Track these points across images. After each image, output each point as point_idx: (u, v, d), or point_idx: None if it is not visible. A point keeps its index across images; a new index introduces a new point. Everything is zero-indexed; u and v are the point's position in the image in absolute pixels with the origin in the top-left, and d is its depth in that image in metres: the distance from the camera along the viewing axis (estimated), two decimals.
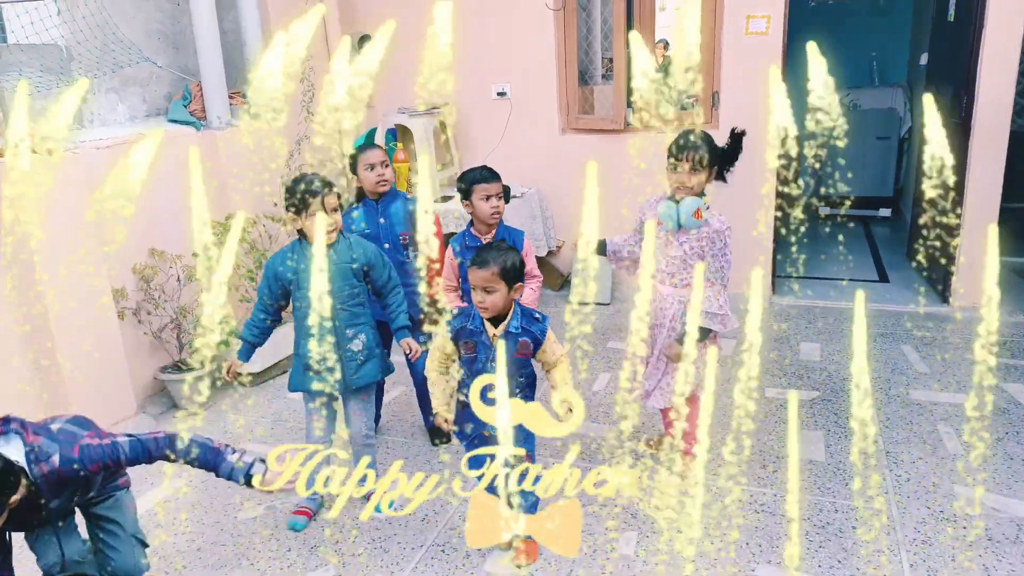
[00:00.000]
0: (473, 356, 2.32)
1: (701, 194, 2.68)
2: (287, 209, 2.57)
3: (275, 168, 4.33)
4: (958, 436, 3.12)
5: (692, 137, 2.63)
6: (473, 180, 2.86)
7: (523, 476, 2.31)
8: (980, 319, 4.54)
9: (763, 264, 4.78)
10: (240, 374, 2.73)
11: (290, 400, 3.79)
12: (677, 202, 2.66)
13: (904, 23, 6.84)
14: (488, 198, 2.85)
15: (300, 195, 2.53)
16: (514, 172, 4.89)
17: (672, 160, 2.65)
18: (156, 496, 2.99)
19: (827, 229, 6.74)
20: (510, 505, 2.38)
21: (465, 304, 2.94)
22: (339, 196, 2.60)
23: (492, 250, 2.26)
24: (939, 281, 4.72)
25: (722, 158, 2.70)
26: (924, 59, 5.66)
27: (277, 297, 2.66)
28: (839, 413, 3.37)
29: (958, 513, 2.61)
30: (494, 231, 2.91)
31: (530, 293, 2.95)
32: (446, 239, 3.34)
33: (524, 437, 2.32)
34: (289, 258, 2.62)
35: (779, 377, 3.78)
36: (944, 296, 4.62)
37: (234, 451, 2.05)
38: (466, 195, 2.89)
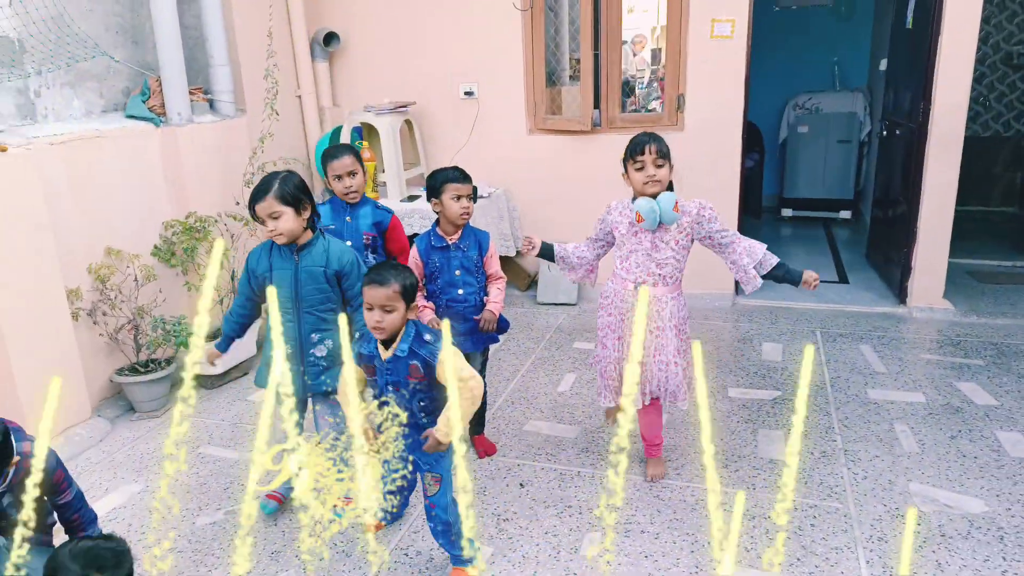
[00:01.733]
0: (374, 380, 2.23)
1: (670, 188, 2.71)
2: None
3: (238, 165, 4.27)
4: (914, 434, 3.19)
5: (646, 134, 2.66)
6: (445, 179, 2.84)
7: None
8: (935, 320, 4.70)
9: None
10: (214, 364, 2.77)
11: (250, 403, 3.73)
12: (654, 198, 2.66)
13: (865, 29, 6.98)
14: (459, 198, 2.83)
15: (249, 202, 2.50)
16: (481, 172, 4.88)
17: (636, 159, 2.65)
18: (111, 501, 2.92)
19: (789, 231, 6.85)
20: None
21: (431, 306, 2.93)
22: (292, 198, 2.45)
23: (390, 268, 2.15)
24: (896, 282, 4.82)
25: None
26: (883, 65, 5.78)
27: (254, 290, 2.63)
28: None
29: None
30: (460, 232, 2.90)
31: (497, 292, 2.96)
32: (410, 240, 3.31)
33: (435, 460, 2.27)
34: (266, 255, 2.59)
35: (741, 377, 3.83)
36: (901, 297, 4.72)
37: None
38: (436, 194, 2.85)
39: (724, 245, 2.74)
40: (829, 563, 2.41)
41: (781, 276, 2.73)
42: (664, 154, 2.62)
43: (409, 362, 2.14)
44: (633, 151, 2.66)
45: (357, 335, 2.31)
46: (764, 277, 2.75)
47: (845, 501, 2.74)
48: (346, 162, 3.03)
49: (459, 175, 2.85)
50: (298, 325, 2.56)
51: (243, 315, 2.69)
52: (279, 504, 2.77)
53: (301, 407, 2.69)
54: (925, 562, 2.40)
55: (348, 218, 3.10)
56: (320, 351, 2.58)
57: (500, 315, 2.99)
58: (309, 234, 2.56)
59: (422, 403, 2.20)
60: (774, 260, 2.72)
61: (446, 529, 2.33)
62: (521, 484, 2.93)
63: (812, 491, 2.81)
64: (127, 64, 4.05)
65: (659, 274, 2.72)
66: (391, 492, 2.40)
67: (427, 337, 2.16)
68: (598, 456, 3.11)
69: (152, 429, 3.51)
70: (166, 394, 3.68)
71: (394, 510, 2.62)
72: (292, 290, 2.52)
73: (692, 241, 2.73)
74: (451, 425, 2.04)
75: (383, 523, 2.66)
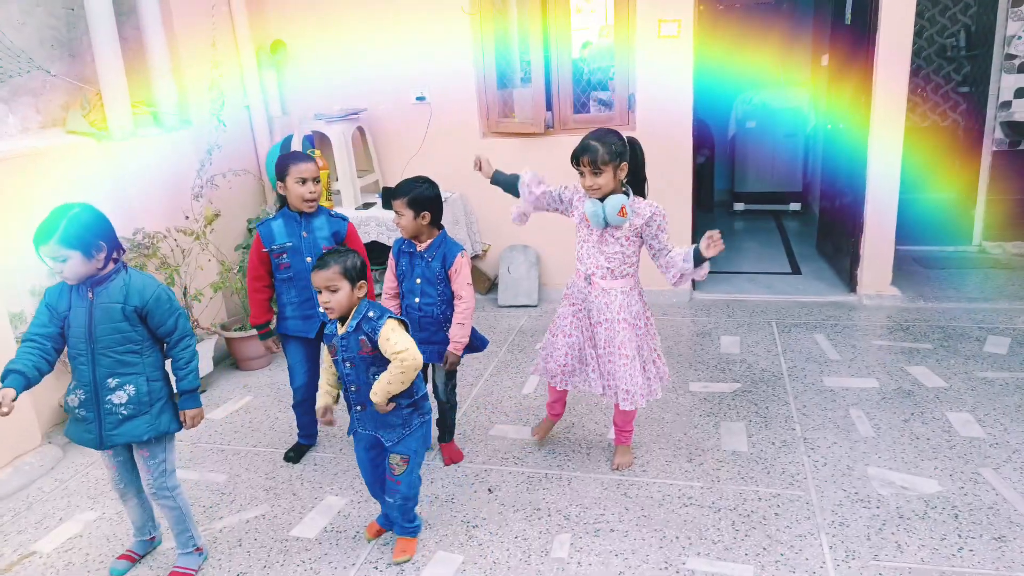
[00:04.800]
0: (336, 358, 2.41)
1: (627, 192, 2.72)
2: None
3: (185, 179, 4.16)
4: (869, 419, 3.28)
5: (587, 140, 2.67)
6: (390, 196, 2.87)
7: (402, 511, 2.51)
8: (884, 306, 4.85)
9: None
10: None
11: (209, 421, 3.65)
12: (601, 201, 2.68)
13: (805, 25, 7.16)
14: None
15: None
16: (437, 177, 4.76)
17: (577, 168, 2.69)
18: (67, 531, 2.82)
19: (741, 224, 6.99)
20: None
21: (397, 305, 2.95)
22: (77, 240, 2.16)
23: (333, 253, 2.35)
24: (846, 272, 4.95)
25: (631, 156, 2.73)
26: (825, 60, 5.93)
27: (44, 324, 2.28)
28: (759, 404, 3.49)
29: (871, 494, 2.74)
30: (430, 241, 2.86)
31: (459, 328, 2.85)
32: (368, 248, 3.28)
33: (399, 440, 2.44)
34: (67, 290, 2.29)
35: (701, 371, 3.88)
36: (851, 286, 4.85)
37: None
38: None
39: (659, 251, 2.77)
40: (794, 551, 2.46)
41: (698, 258, 2.71)
42: (604, 161, 2.61)
43: (358, 337, 2.33)
44: (572, 161, 2.71)
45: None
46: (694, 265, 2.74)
47: (807, 488, 2.80)
48: (312, 167, 2.97)
49: (390, 191, 2.85)
50: (92, 368, 2.25)
51: (34, 350, 2.26)
52: (131, 563, 2.58)
53: (121, 452, 2.42)
54: (885, 544, 2.46)
55: (304, 233, 3.01)
56: (119, 397, 2.27)
57: (476, 333, 2.97)
58: (108, 267, 2.25)
59: (374, 376, 2.35)
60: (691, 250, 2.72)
61: (404, 504, 2.51)
62: (489, 489, 2.92)
63: (775, 480, 2.86)
64: (64, 78, 3.92)
65: (607, 267, 2.76)
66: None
67: (371, 314, 2.34)
68: (565, 458, 3.12)
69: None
70: None
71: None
72: (86, 330, 2.23)
73: (642, 239, 2.76)
74: (382, 388, 2.31)
75: (383, 528, 2.65)
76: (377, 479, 2.57)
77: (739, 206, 7.31)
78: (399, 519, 2.54)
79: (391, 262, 2.95)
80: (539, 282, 5.14)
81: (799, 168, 7.05)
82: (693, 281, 4.96)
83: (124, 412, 2.29)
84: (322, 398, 2.50)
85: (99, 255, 2.21)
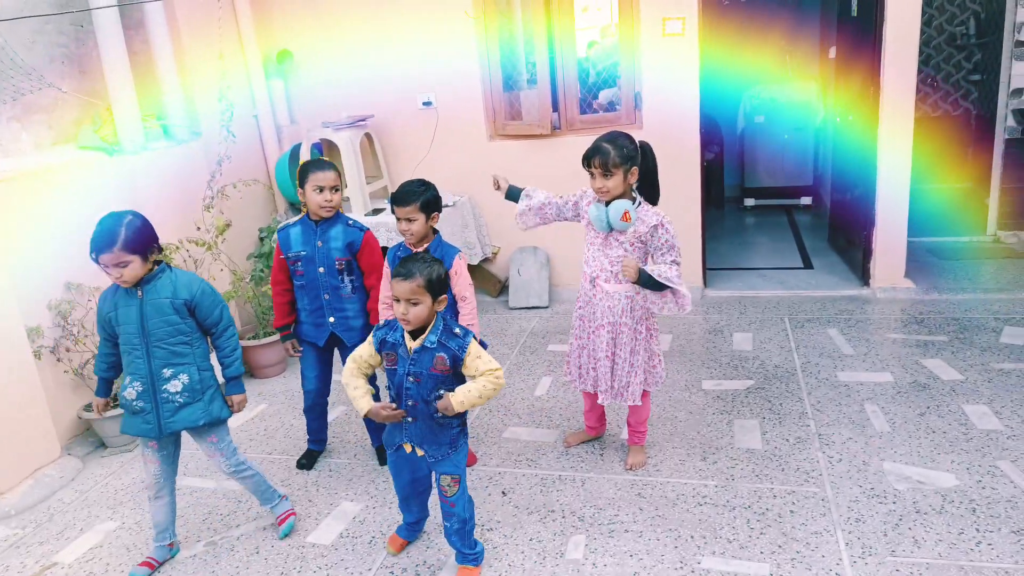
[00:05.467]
0: (394, 368, 2.27)
1: (634, 198, 2.72)
2: None
3: (196, 190, 4.21)
4: (884, 414, 3.26)
5: (600, 142, 2.68)
6: (392, 201, 2.87)
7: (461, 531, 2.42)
8: (898, 299, 4.80)
9: (694, 258, 4.89)
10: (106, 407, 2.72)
11: None
12: (606, 205, 2.70)
13: (812, 18, 7.12)
14: (399, 220, 2.84)
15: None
16: (445, 181, 4.86)
17: (588, 170, 2.70)
18: (87, 541, 2.85)
19: (752, 220, 6.95)
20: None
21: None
22: (139, 245, 2.37)
23: (417, 261, 2.20)
24: (858, 265, 4.92)
25: (643, 160, 2.73)
26: (832, 52, 5.90)
27: (107, 332, 2.51)
28: (772, 400, 3.48)
29: (888, 489, 2.72)
30: (426, 245, 2.88)
31: (464, 317, 2.87)
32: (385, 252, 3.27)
33: (443, 457, 2.34)
34: (111, 293, 2.49)
35: (714, 369, 3.87)
36: (864, 279, 4.82)
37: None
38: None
39: (656, 259, 2.74)
40: (810, 548, 2.45)
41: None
42: (614, 164, 2.63)
43: (436, 353, 2.21)
44: (584, 162, 2.71)
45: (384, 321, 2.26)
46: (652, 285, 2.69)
47: (822, 485, 2.79)
48: (332, 175, 2.96)
49: (394, 195, 2.83)
50: (147, 361, 2.43)
51: (107, 355, 2.56)
52: (151, 571, 2.62)
53: (168, 446, 2.57)
54: (902, 539, 2.44)
55: (319, 243, 2.99)
56: (174, 386, 2.45)
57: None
58: (153, 268, 2.44)
59: (437, 396, 2.24)
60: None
61: (462, 527, 2.40)
62: (503, 492, 2.93)
63: (789, 477, 2.85)
64: (75, 94, 3.97)
65: (611, 271, 2.77)
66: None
67: (456, 331, 2.25)
68: (579, 459, 3.12)
69: (125, 464, 3.44)
70: None
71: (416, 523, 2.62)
72: (138, 325, 2.41)
73: (646, 247, 2.75)
74: (469, 399, 2.21)
75: (407, 540, 2.62)
76: (418, 497, 2.52)
77: (749, 202, 7.27)
78: (459, 546, 2.43)
79: (386, 270, 2.95)
80: (550, 283, 5.14)
81: (809, 162, 7.00)
82: (704, 277, 4.96)
83: (180, 400, 2.47)
84: (367, 401, 2.34)
85: (152, 257, 2.42)
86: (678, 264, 2.71)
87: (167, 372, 2.44)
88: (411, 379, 2.24)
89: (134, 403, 2.46)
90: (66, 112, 3.94)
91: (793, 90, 6.91)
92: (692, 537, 2.55)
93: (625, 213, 2.64)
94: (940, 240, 5.62)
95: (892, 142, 4.48)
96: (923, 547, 2.40)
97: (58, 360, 3.45)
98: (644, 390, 2.89)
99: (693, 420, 3.36)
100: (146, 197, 3.99)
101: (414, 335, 2.24)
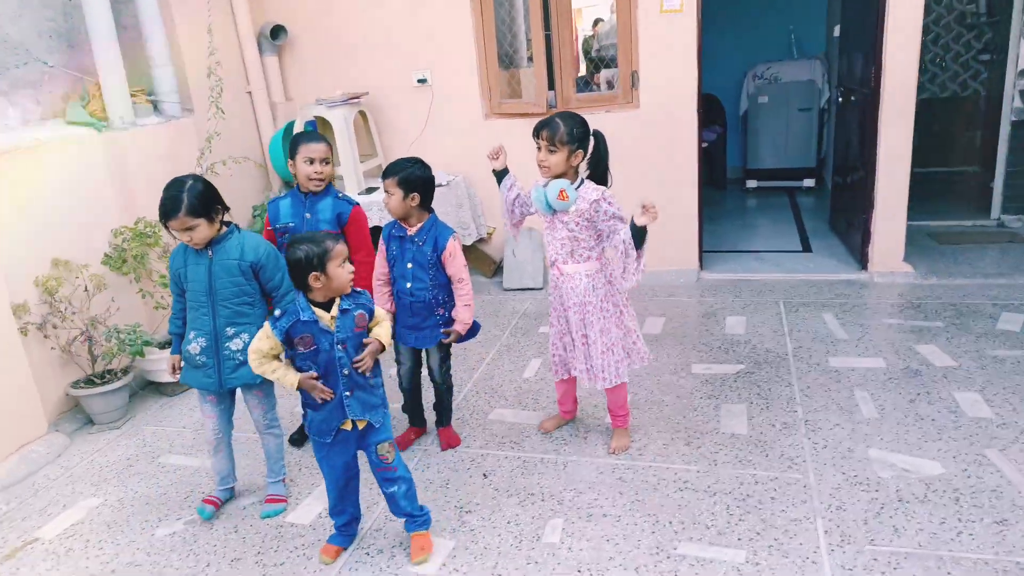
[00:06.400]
0: (315, 348, 2.22)
1: (577, 177, 2.71)
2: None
3: (187, 166, 4.18)
4: (873, 400, 3.22)
5: (554, 116, 2.66)
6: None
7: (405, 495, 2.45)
8: (896, 283, 4.72)
9: (690, 240, 4.84)
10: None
11: None
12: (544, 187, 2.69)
13: None
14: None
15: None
16: (439, 160, 4.82)
17: (534, 139, 2.70)
18: (69, 517, 2.87)
19: (754, 202, 6.87)
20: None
21: (392, 299, 2.92)
22: (204, 208, 2.47)
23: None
24: (857, 248, 4.85)
25: (594, 148, 2.70)
26: (837, 31, 5.77)
27: (181, 288, 2.64)
28: (761, 385, 3.44)
29: (871, 477, 2.69)
30: (420, 224, 2.84)
31: (464, 310, 2.85)
32: (374, 232, 3.24)
33: (383, 420, 2.39)
34: (182, 252, 2.62)
35: (705, 352, 3.83)
36: (862, 263, 4.75)
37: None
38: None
39: (609, 236, 2.68)
40: (788, 535, 2.42)
41: (637, 232, 2.56)
42: (561, 141, 2.61)
43: (355, 312, 2.27)
44: (533, 133, 2.69)
45: (278, 312, 2.26)
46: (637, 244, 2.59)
47: (805, 472, 2.76)
48: (322, 148, 2.96)
49: (386, 168, 2.80)
50: (212, 319, 2.56)
51: (180, 311, 2.68)
52: (216, 508, 2.79)
53: (225, 400, 2.72)
54: (882, 528, 2.41)
55: (308, 214, 2.99)
56: (236, 344, 2.58)
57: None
58: (223, 229, 2.57)
59: (361, 349, 2.29)
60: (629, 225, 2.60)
61: (409, 487, 2.45)
62: (484, 474, 2.92)
63: (773, 463, 2.82)
64: (63, 69, 3.93)
65: (562, 252, 2.77)
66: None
67: (356, 290, 2.32)
68: (562, 442, 3.10)
69: (111, 441, 3.45)
70: (124, 404, 3.62)
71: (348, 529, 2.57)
72: (206, 284, 2.54)
73: (594, 225, 2.71)
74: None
75: (342, 547, 2.53)
76: (350, 486, 2.47)
77: (752, 183, 7.18)
78: (409, 508, 2.45)
79: (381, 247, 2.93)
80: (544, 264, 5.10)
81: (813, 143, 6.89)
82: (701, 259, 4.90)
83: (240, 357, 2.57)
84: (293, 373, 2.26)
85: (218, 218, 2.52)
86: (624, 233, 2.63)
87: (230, 331, 2.57)
88: (340, 347, 2.24)
89: (197, 357, 2.58)
90: (54, 87, 3.91)
91: (797, 69, 6.78)
92: (670, 522, 2.53)
93: (561, 192, 2.62)
94: (943, 224, 5.53)
95: (893, 124, 4.38)
96: (903, 536, 2.37)
97: (45, 337, 3.45)
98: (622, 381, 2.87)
99: (680, 404, 3.33)
100: (136, 174, 3.98)
101: (326, 307, 2.23)
